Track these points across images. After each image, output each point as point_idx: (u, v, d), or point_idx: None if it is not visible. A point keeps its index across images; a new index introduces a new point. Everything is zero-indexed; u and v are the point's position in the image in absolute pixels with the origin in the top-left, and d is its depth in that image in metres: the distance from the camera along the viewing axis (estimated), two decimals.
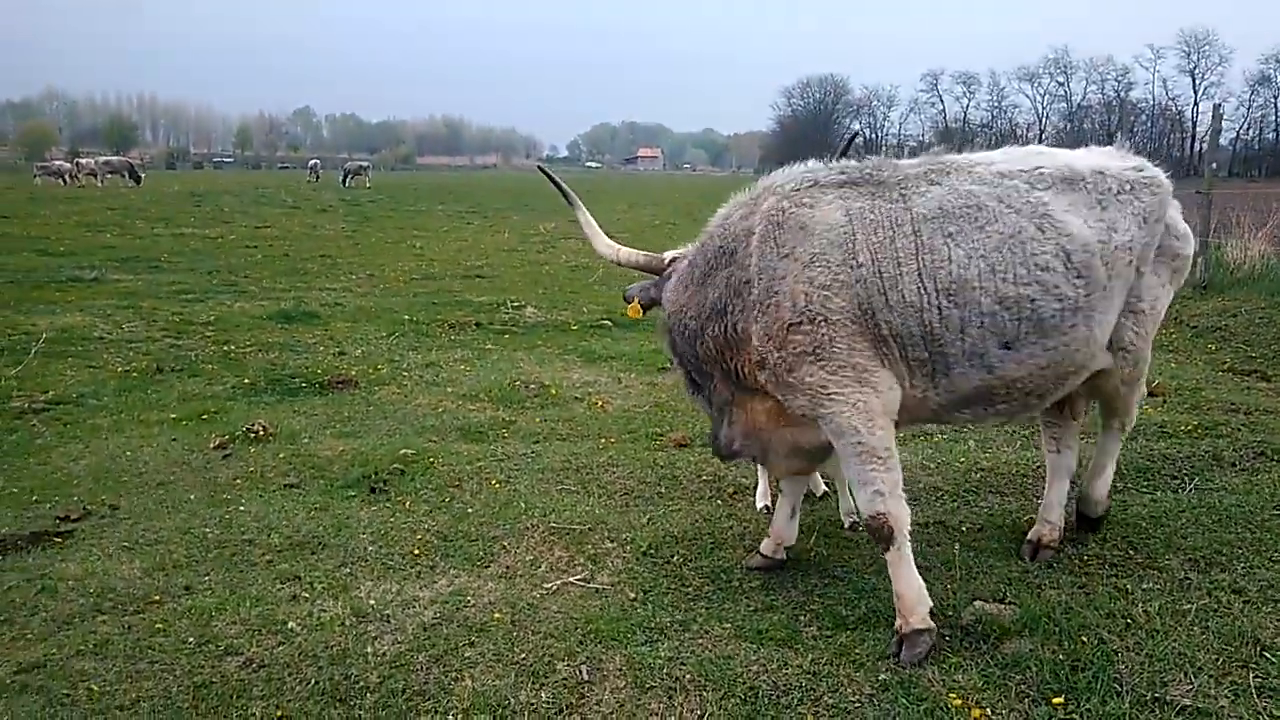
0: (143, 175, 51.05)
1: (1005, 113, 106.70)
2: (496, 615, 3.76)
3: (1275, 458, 5.56)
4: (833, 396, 3.48)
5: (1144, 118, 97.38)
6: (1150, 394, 7.43)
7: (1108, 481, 4.53)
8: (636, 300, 4.39)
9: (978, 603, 3.71)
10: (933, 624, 3.46)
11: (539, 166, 5.74)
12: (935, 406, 3.68)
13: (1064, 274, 3.59)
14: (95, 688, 3.31)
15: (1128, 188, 3.84)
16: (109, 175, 49.34)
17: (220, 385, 7.62)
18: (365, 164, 56.27)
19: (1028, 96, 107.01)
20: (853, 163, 3.81)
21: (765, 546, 4.25)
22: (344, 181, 51.05)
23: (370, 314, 11.46)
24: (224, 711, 3.21)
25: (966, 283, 3.49)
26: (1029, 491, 5.23)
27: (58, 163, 53.98)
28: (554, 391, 7.50)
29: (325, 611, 3.82)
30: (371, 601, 3.90)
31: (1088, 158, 3.94)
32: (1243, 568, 4.05)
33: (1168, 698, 3.11)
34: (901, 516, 3.50)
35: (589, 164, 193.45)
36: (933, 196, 3.60)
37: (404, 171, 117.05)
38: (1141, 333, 4.08)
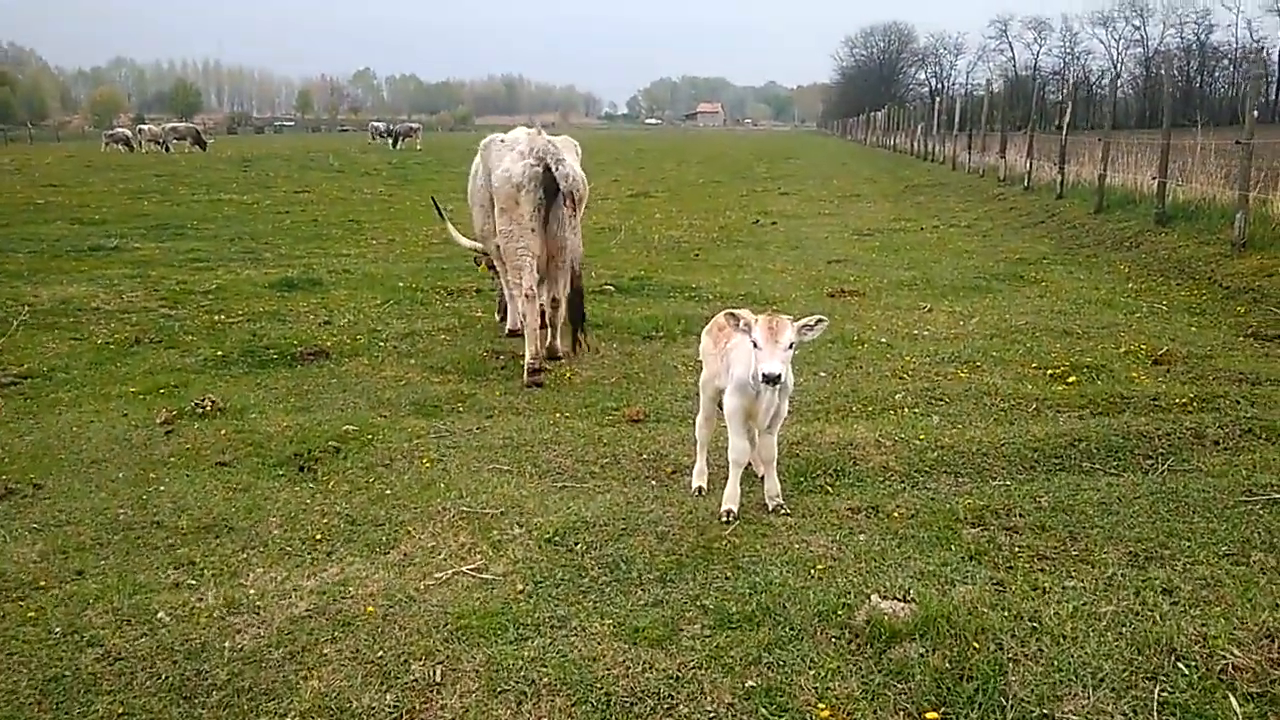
0: (209, 141, 51.87)
1: (1078, 59, 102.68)
2: (369, 609, 3.59)
3: (1263, 435, 5.16)
4: None
5: (1225, 62, 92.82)
6: (1155, 362, 7.00)
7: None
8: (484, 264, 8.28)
9: (875, 599, 3.43)
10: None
11: (432, 198, 7.91)
12: None
13: None
14: None
15: None
16: (176, 141, 50.16)
17: (193, 357, 7.56)
18: (416, 125, 56.27)
19: (1102, 42, 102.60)
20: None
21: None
22: (394, 144, 51.24)
23: (374, 281, 11.38)
24: (68, 708, 3.10)
25: None
26: (987, 472, 4.90)
27: (122, 130, 55.10)
28: (521, 360, 7.31)
29: (201, 601, 3.69)
30: (251, 591, 3.76)
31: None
32: (1183, 563, 3.71)
33: (1057, 714, 2.83)
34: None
35: (648, 120, 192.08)
36: None
37: (462, 133, 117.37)
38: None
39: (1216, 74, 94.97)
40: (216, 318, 9.10)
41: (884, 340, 7.96)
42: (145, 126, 55.24)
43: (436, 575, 3.87)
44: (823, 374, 6.87)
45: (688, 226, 16.94)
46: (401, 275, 11.77)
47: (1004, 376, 6.77)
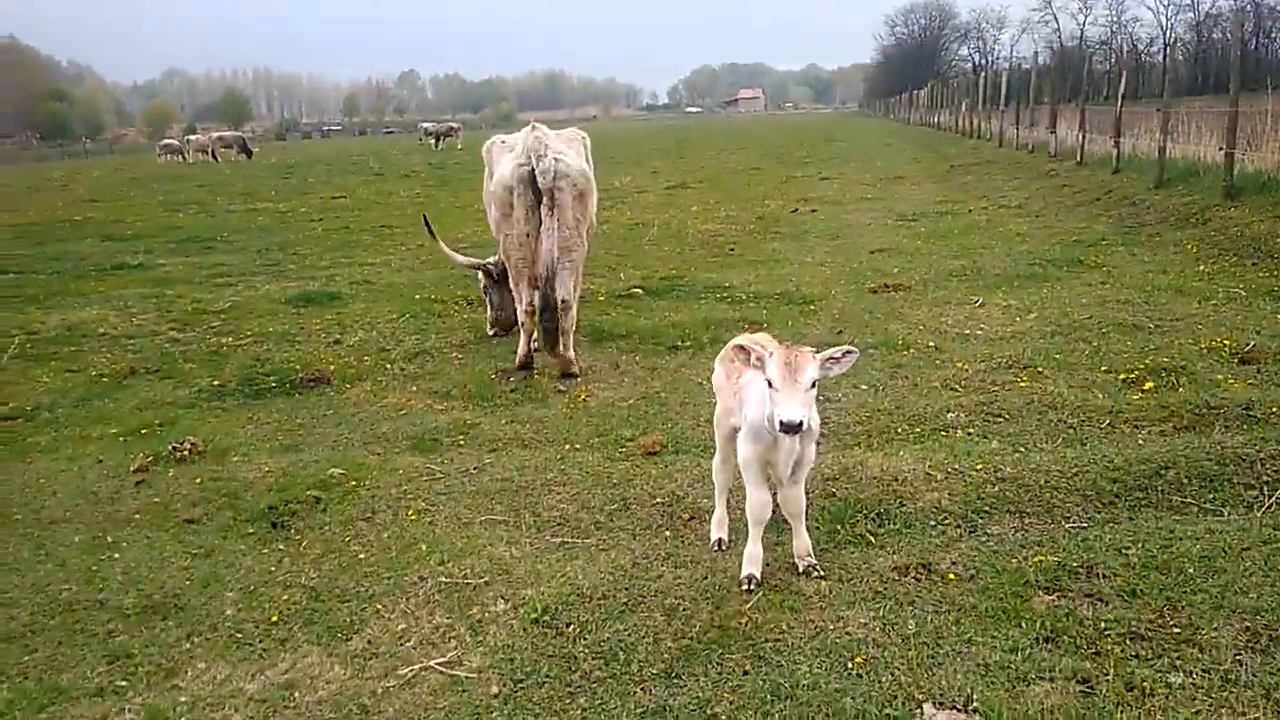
0: (254, 150, 52.33)
1: (1125, 27, 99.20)
2: None
3: None
4: None
5: None
6: (1242, 361, 6.19)
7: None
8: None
9: (929, 710, 2.75)
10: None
11: (423, 216, 8.08)
12: None
13: None
14: None
15: None
16: (223, 150, 50.64)
17: (188, 389, 7.06)
18: (456, 125, 56.05)
19: (1149, 8, 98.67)
20: None
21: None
22: (435, 144, 51.07)
23: (395, 292, 10.88)
24: None
25: None
26: (1059, 511, 4.17)
27: (173, 141, 55.82)
28: (535, 381, 6.73)
29: (121, 715, 3.12)
30: (182, 699, 3.18)
31: None
32: None
33: None
34: None
35: (689, 109, 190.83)
36: None
37: (504, 129, 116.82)
38: None
39: (1274, 35, 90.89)
40: (223, 340, 8.63)
41: (932, 343, 7.21)
42: (193, 137, 55.90)
43: (400, 673, 3.26)
44: (863, 387, 6.16)
45: (724, 218, 16.21)
46: (424, 284, 11.26)
47: (1070, 384, 6.00)
